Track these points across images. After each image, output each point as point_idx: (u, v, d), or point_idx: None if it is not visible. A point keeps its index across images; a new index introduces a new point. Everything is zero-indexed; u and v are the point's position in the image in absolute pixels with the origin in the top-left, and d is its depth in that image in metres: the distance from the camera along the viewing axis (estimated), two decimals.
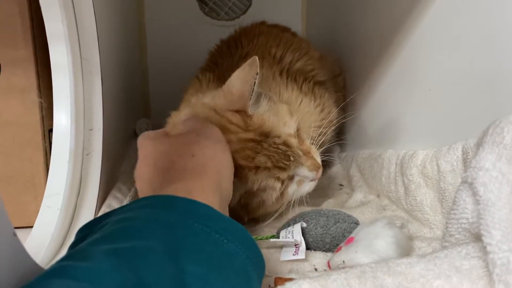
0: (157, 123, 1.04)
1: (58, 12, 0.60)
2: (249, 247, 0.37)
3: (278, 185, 0.60)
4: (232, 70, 0.59)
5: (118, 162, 0.78)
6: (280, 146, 0.58)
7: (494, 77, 0.50)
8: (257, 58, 0.55)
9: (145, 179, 0.48)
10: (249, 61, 0.55)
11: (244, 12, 1.28)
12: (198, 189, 0.41)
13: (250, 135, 0.57)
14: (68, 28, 0.61)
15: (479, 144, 0.45)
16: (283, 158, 0.58)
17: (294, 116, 0.64)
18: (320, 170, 0.63)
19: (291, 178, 0.62)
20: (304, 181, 0.64)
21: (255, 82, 0.55)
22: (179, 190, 0.40)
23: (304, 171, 0.62)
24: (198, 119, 0.57)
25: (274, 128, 0.59)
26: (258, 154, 0.56)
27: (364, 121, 0.88)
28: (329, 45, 1.09)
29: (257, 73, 0.55)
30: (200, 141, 0.49)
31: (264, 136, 0.58)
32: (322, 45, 1.04)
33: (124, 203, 0.65)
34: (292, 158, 0.59)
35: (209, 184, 0.43)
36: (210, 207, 0.38)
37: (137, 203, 0.38)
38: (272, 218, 0.65)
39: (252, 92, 0.56)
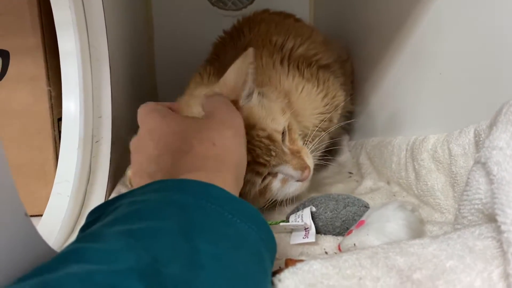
0: None
1: None
2: (262, 228, 0.37)
3: (258, 180, 0.58)
4: (234, 61, 0.58)
5: (127, 150, 0.78)
6: (264, 140, 0.57)
7: (506, 60, 0.49)
8: (252, 49, 0.54)
9: (148, 154, 0.45)
10: (245, 52, 0.55)
11: (251, 1, 1.27)
12: (220, 181, 0.40)
13: None
14: (76, 15, 0.61)
15: (492, 124, 0.44)
16: (264, 153, 0.57)
17: (286, 114, 0.63)
18: (307, 171, 0.61)
19: (274, 175, 0.61)
20: (289, 181, 0.62)
21: (248, 73, 0.55)
22: (201, 178, 0.39)
23: (288, 170, 0.60)
24: (223, 98, 0.53)
25: (261, 120, 0.58)
26: None
27: (373, 108, 0.87)
28: (337, 32, 1.08)
29: (251, 64, 0.54)
30: (221, 129, 0.46)
31: (249, 128, 0.56)
32: (331, 33, 1.03)
33: None
34: (274, 154, 0.58)
35: (230, 178, 0.42)
36: (222, 189, 0.37)
37: (149, 187, 0.38)
38: None
39: (246, 83, 0.56)
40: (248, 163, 0.52)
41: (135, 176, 0.47)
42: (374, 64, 0.86)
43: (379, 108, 0.85)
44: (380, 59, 0.82)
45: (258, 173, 0.58)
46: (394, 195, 0.67)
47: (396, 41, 0.75)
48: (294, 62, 0.78)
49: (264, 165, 0.58)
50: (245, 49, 0.72)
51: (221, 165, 0.43)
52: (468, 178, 0.41)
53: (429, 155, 0.59)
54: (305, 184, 0.63)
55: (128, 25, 0.89)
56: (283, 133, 0.60)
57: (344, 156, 0.92)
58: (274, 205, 0.65)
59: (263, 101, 0.61)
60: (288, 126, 0.63)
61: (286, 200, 0.64)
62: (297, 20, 0.98)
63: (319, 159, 0.83)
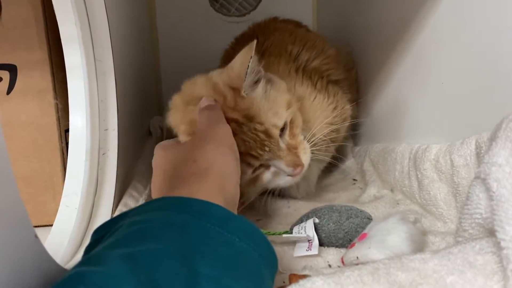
0: None
1: (71, 14, 0.61)
2: (260, 245, 0.37)
3: (248, 170, 0.60)
4: None
5: (133, 161, 0.79)
6: (260, 134, 0.58)
7: (509, 70, 0.49)
8: (254, 42, 0.56)
9: (157, 188, 0.50)
10: (249, 44, 0.56)
11: (255, 8, 1.28)
12: (201, 192, 0.42)
13: (234, 115, 0.57)
14: (81, 30, 0.62)
15: (492, 139, 0.44)
16: (258, 147, 0.58)
17: (292, 109, 0.63)
18: (300, 169, 0.61)
19: (267, 167, 0.62)
20: (281, 174, 0.63)
21: (249, 64, 0.56)
22: (182, 194, 0.40)
23: (280, 165, 0.61)
24: (209, 112, 0.56)
25: (260, 114, 0.58)
26: (235, 136, 0.55)
27: (377, 114, 0.88)
28: (340, 39, 1.08)
29: (251, 57, 0.56)
30: (203, 145, 0.49)
31: (247, 120, 0.57)
32: (333, 39, 1.03)
33: (140, 202, 0.66)
34: (267, 149, 0.59)
35: (212, 187, 0.44)
36: (221, 207, 0.38)
37: (149, 205, 0.39)
38: (246, 203, 0.66)
39: (246, 73, 0.57)
40: (241, 154, 0.55)
41: None
42: (377, 70, 0.86)
43: (383, 114, 0.86)
44: (383, 66, 0.83)
45: (249, 164, 0.60)
46: (398, 204, 0.67)
47: (399, 48, 0.75)
48: (307, 73, 0.79)
49: (256, 158, 0.59)
50: (262, 55, 0.74)
51: (202, 178, 0.45)
52: (469, 192, 0.42)
53: (431, 165, 0.59)
54: (296, 178, 0.64)
55: (132, 36, 0.90)
56: (284, 127, 0.61)
57: (349, 162, 0.92)
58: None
59: (269, 92, 0.61)
60: (291, 120, 0.63)
61: (277, 191, 0.67)
62: (308, 30, 0.99)
63: (326, 166, 0.84)
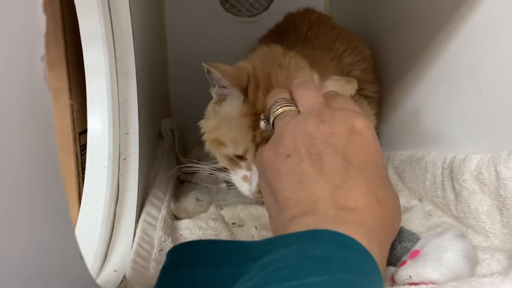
0: (178, 123, 1.02)
1: (95, 11, 0.57)
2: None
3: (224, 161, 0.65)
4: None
5: (150, 166, 0.75)
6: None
7: None
8: (355, 81, 0.56)
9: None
10: (346, 78, 0.56)
11: (266, 8, 1.25)
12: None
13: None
14: (104, 28, 0.59)
15: None
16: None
17: None
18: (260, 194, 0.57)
19: (248, 167, 0.64)
20: (247, 183, 0.64)
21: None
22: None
23: (255, 180, 0.61)
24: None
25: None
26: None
27: (400, 120, 0.85)
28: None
29: (351, 96, 0.55)
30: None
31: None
32: None
33: (162, 210, 0.63)
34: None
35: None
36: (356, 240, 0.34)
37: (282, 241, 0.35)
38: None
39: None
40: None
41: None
42: (402, 71, 0.83)
43: (407, 120, 0.83)
44: (409, 66, 0.80)
45: (241, 157, 0.62)
46: (430, 215, 0.65)
47: (427, 52, 0.73)
48: None
49: (236, 164, 0.63)
50: (304, 41, 0.71)
51: None
52: None
53: (472, 176, 0.57)
54: (255, 197, 0.64)
55: (148, 34, 0.87)
56: None
57: None
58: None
59: None
60: None
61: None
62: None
63: None
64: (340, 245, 0.32)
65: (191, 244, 0.38)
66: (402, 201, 0.71)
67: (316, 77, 0.61)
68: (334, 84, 0.56)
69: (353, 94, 0.55)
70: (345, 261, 0.31)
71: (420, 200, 0.70)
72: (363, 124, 0.43)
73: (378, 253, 0.36)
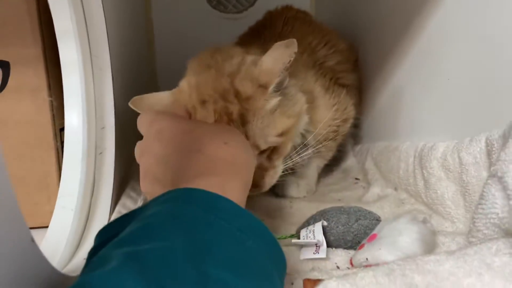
0: None
1: (66, 9, 0.59)
2: (270, 245, 0.36)
3: None
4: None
5: (129, 161, 0.77)
6: None
7: None
8: (295, 40, 0.53)
9: (156, 155, 0.44)
10: (288, 40, 0.53)
11: (252, 4, 1.26)
12: (231, 188, 0.39)
13: (235, 108, 0.54)
14: (77, 24, 0.60)
15: (506, 136, 0.43)
16: None
17: (283, 137, 0.58)
18: (253, 189, 0.56)
19: None
20: None
21: (286, 62, 0.53)
22: (213, 185, 0.38)
23: None
24: None
25: (253, 127, 0.55)
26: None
27: (379, 112, 0.86)
28: (340, 34, 1.07)
29: (294, 54, 0.53)
30: (234, 132, 0.47)
31: (240, 123, 0.54)
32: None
33: (139, 202, 0.64)
34: None
35: (240, 184, 0.41)
36: (231, 201, 0.36)
37: (158, 199, 0.37)
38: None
39: (282, 71, 0.54)
40: None
41: (143, 181, 0.46)
42: (379, 64, 0.85)
43: (385, 112, 0.84)
44: (385, 61, 0.81)
45: None
46: (403, 203, 0.66)
47: (403, 42, 0.74)
48: (323, 70, 0.78)
49: None
50: (280, 38, 0.72)
51: (232, 168, 0.42)
52: (483, 191, 0.41)
53: (438, 163, 0.58)
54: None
55: (128, 30, 0.88)
56: (266, 149, 0.58)
57: (349, 161, 0.91)
58: None
59: (277, 110, 0.57)
60: (276, 147, 0.59)
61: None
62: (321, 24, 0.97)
63: (326, 164, 0.83)
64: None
65: (111, 223, 0.38)
66: (377, 190, 0.72)
67: (250, 58, 0.59)
68: (273, 53, 0.55)
69: (292, 58, 0.54)
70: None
71: (395, 189, 0.71)
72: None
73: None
